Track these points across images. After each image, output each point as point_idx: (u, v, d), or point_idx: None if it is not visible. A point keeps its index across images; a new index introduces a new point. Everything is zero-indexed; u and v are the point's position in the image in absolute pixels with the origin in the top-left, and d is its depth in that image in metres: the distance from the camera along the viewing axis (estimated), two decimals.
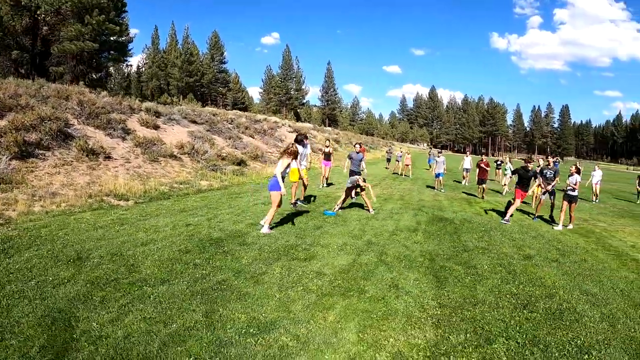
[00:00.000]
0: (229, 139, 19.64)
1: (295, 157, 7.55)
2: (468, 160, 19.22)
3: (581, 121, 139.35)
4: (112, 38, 23.56)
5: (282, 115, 60.51)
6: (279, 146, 23.18)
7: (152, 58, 67.98)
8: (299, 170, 8.88)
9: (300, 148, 8.94)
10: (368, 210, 9.39)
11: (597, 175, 16.76)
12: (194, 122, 19.57)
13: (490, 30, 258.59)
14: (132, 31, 63.24)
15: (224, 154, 16.74)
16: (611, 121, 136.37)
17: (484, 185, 14.20)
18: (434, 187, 16.03)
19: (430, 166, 26.40)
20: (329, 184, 14.19)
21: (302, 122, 54.37)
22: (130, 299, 4.17)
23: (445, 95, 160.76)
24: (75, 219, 7.39)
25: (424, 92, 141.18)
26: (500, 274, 5.70)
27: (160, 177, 12.16)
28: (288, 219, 8.20)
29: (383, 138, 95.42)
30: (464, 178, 19.44)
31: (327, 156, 13.97)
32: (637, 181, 18.01)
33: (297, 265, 5.51)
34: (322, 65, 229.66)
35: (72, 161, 10.80)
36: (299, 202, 9.71)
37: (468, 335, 3.89)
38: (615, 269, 6.45)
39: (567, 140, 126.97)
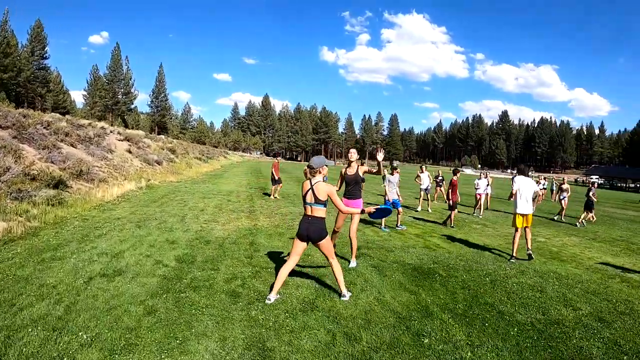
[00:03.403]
0: (44, 148, 13.48)
1: None
2: (425, 177, 15.22)
3: (405, 129, 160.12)
4: None
5: (108, 122, 53.29)
6: (107, 158, 17.35)
7: None
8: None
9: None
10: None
11: (482, 184, 14.75)
12: None
13: (321, 44, 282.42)
14: None
15: (36, 171, 10.69)
16: (432, 128, 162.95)
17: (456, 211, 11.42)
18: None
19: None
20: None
21: (130, 129, 47.54)
22: None
23: (277, 105, 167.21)
24: None
25: (255, 100, 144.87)
26: None
27: None
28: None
29: (215, 147, 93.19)
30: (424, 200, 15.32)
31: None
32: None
33: None
34: (152, 69, 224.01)
35: None
36: None
37: None
38: None
39: (395, 146, 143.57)
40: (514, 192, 7.50)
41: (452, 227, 10.82)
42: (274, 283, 4.54)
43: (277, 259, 6.16)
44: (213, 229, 8.25)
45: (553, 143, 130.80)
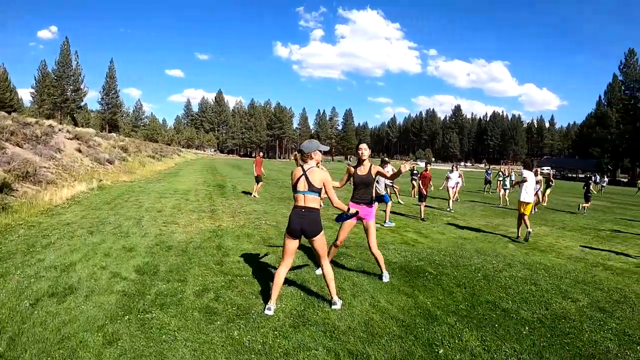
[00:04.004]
0: None
1: None
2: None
3: (359, 124, 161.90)
4: None
5: (57, 120, 50.30)
6: (56, 158, 16.04)
7: None
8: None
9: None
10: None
11: (454, 177, 14.61)
12: None
13: (275, 40, 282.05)
14: None
15: None
16: (386, 123, 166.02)
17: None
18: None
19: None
20: None
21: (80, 127, 44.96)
22: None
23: (231, 101, 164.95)
24: None
25: (208, 96, 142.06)
26: None
27: None
28: None
29: (169, 144, 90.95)
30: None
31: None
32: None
33: None
34: (102, 65, 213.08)
35: None
36: None
37: None
38: None
39: (350, 141, 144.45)
40: (528, 184, 8.71)
41: (423, 219, 10.82)
42: (270, 293, 4.00)
43: (251, 264, 5.57)
44: (174, 232, 7.52)
45: (505, 136, 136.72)
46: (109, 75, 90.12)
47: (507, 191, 16.62)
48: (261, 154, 16.68)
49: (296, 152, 4.13)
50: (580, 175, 72.17)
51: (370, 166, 5.02)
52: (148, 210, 9.94)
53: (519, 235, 8.84)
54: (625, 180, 67.79)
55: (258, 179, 14.28)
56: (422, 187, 11.17)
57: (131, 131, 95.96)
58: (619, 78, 74.35)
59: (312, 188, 3.96)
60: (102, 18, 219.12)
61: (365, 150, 5.00)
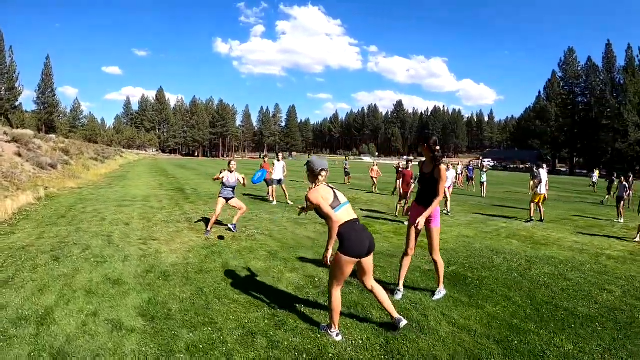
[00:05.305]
0: None
1: None
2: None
3: (301, 120, 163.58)
4: None
5: None
6: None
7: None
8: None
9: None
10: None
11: (450, 176, 13.58)
12: None
13: (215, 36, 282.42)
14: None
15: None
16: (328, 119, 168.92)
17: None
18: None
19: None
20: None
21: (16, 129, 40.84)
22: None
23: (172, 99, 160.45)
24: None
25: (148, 94, 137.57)
26: None
27: None
28: None
29: (109, 145, 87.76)
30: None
31: None
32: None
33: None
34: (37, 63, 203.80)
35: None
36: None
37: None
38: None
39: (294, 137, 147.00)
40: (542, 181, 11.14)
41: (396, 215, 11.11)
42: (331, 318, 3.57)
43: (280, 289, 4.81)
44: (159, 251, 6.35)
45: (446, 130, 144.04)
46: (45, 72, 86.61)
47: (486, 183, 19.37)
48: (267, 156, 16.50)
49: (320, 170, 3.67)
50: (520, 166, 77.48)
51: (435, 166, 4.46)
52: (113, 223, 8.72)
53: (532, 217, 11.14)
54: (564, 170, 73.72)
55: (269, 182, 14.00)
56: (402, 185, 11.08)
57: (69, 132, 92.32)
58: (558, 74, 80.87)
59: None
60: (37, 12, 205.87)
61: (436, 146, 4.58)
